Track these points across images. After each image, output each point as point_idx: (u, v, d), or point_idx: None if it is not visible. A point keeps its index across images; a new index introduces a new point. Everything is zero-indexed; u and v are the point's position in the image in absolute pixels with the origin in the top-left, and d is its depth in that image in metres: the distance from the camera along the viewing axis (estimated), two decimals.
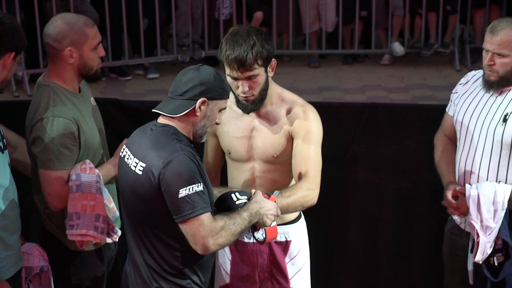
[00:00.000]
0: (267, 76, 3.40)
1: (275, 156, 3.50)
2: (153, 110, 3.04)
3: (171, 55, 7.81)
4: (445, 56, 7.85)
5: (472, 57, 7.59)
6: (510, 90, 3.65)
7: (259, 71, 3.35)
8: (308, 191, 3.37)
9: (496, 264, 3.66)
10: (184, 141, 2.99)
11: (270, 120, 3.50)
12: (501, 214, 3.61)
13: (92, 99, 3.70)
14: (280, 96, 3.52)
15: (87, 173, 3.45)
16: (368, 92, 7.07)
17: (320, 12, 7.83)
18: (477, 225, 3.59)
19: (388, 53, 7.81)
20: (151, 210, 2.98)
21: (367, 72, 7.66)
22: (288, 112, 3.48)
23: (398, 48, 7.72)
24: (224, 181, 3.77)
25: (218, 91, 3.01)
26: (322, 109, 3.64)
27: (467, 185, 3.65)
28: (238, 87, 3.38)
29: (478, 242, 3.59)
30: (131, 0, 7.38)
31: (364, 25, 7.92)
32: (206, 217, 2.92)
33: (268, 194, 3.23)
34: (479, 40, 7.77)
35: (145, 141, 3.01)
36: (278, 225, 3.46)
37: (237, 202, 3.15)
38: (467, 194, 3.61)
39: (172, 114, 2.99)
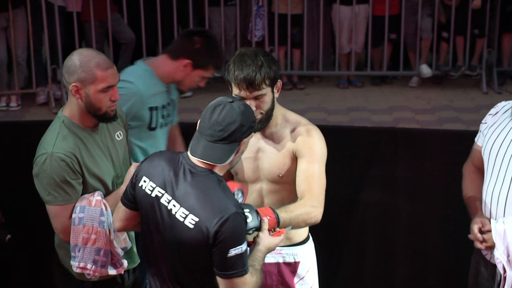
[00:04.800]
0: (273, 97, 3.41)
1: (280, 175, 3.49)
2: (198, 160, 2.91)
3: None
4: (472, 78, 7.80)
5: (499, 80, 7.61)
6: None
7: (267, 91, 3.35)
8: (312, 208, 3.34)
9: None
10: (227, 186, 2.95)
11: (274, 140, 3.50)
12: None
13: (118, 133, 3.64)
14: (284, 117, 3.53)
15: (92, 205, 3.41)
16: (395, 113, 7.07)
17: (351, 34, 7.88)
18: (503, 260, 3.44)
19: (416, 75, 7.81)
20: (193, 259, 2.94)
21: (395, 94, 7.65)
22: (292, 132, 3.48)
23: (425, 70, 7.73)
24: None
25: (253, 125, 2.98)
26: (343, 132, 3.63)
27: (492, 220, 3.50)
28: None
29: (505, 277, 3.45)
30: (166, 22, 7.37)
31: (393, 47, 7.97)
32: (248, 276, 2.92)
33: (273, 210, 3.19)
34: (507, 63, 7.89)
35: (191, 189, 2.91)
36: (286, 246, 3.53)
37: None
38: (492, 228, 3.45)
39: (219, 163, 2.91)
